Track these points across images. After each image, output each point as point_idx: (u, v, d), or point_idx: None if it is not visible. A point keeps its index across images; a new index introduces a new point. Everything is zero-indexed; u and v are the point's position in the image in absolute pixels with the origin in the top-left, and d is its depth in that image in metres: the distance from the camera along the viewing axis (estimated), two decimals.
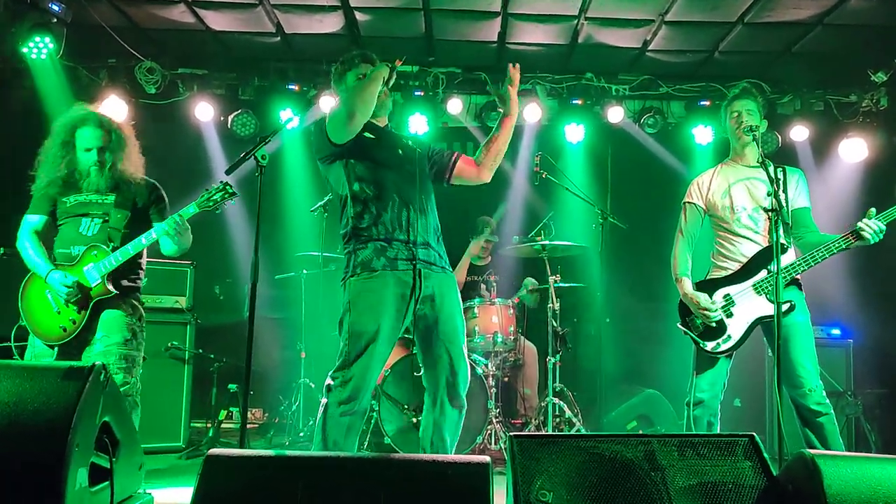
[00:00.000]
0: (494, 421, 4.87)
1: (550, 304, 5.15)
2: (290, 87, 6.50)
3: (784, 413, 3.20)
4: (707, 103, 6.61)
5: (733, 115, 3.82)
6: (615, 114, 6.45)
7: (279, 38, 6.04)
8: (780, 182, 3.63)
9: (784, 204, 3.57)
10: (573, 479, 2.31)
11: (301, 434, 5.32)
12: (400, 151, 3.34)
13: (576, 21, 5.63)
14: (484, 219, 5.96)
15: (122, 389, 3.29)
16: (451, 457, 2.38)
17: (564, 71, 6.52)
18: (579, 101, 6.57)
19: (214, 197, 3.48)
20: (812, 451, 2.30)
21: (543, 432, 4.80)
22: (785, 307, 3.51)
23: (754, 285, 3.64)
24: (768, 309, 3.56)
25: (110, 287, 3.44)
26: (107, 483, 2.41)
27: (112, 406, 2.46)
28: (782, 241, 3.33)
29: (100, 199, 3.58)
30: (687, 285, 3.79)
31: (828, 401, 3.54)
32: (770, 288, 3.56)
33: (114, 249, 3.48)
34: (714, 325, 3.68)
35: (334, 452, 2.34)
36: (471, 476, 2.22)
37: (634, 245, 6.28)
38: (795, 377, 3.54)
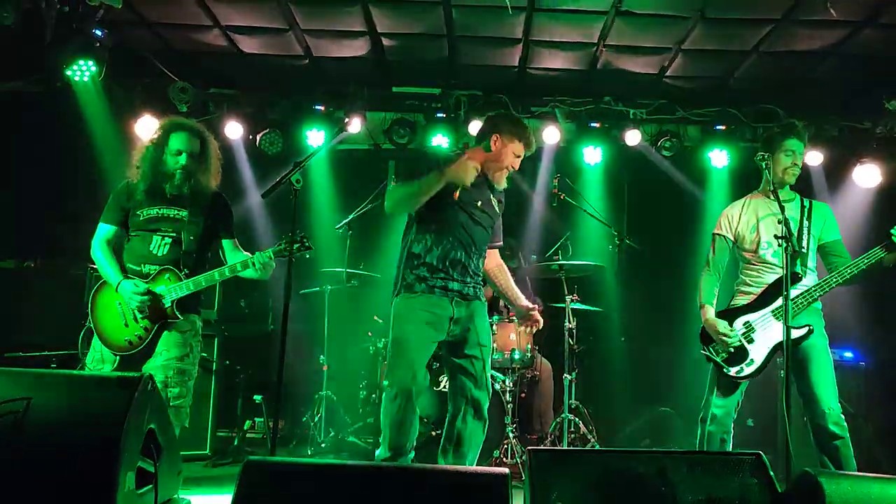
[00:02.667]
0: (511, 436, 5.00)
1: (567, 323, 5.29)
2: (317, 107, 6.71)
3: (795, 433, 3.32)
4: (723, 128, 6.74)
5: (790, 154, 3.83)
6: (632, 137, 6.59)
7: (307, 60, 6.26)
8: (807, 211, 3.84)
9: (806, 235, 3.75)
10: (587, 493, 2.44)
11: (323, 445, 5.47)
12: (479, 203, 3.56)
13: (595, 48, 5.81)
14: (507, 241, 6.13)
15: (178, 402, 3.49)
16: (472, 468, 2.53)
17: (583, 94, 6.69)
18: (597, 125, 6.72)
19: (286, 248, 3.56)
20: (815, 469, 2.42)
21: (559, 447, 4.92)
22: (803, 331, 3.66)
23: (773, 311, 3.78)
24: (778, 334, 3.70)
25: (177, 312, 3.58)
26: (151, 487, 2.58)
27: (157, 414, 2.64)
28: (796, 269, 3.50)
29: (174, 214, 3.66)
30: (709, 312, 3.93)
31: (845, 424, 3.63)
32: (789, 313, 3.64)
33: (186, 276, 3.59)
34: (734, 350, 3.81)
35: (364, 462, 2.49)
36: (490, 487, 2.35)
37: (650, 266, 6.41)
38: (813, 398, 3.66)
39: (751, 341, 3.82)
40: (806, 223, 3.84)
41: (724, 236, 4.02)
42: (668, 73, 6.20)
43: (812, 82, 6.19)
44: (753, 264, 3.92)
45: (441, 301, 3.47)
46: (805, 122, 6.58)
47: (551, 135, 6.59)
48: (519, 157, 3.60)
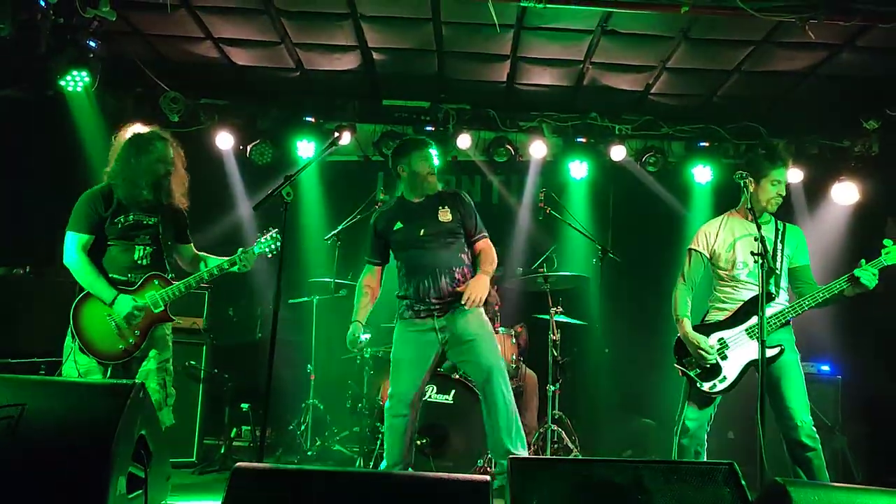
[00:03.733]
0: None
1: (551, 335, 5.38)
2: (307, 118, 6.80)
3: (770, 445, 3.42)
4: (706, 144, 6.87)
5: (776, 184, 3.91)
6: (618, 152, 6.70)
7: (298, 73, 6.35)
8: (781, 234, 3.94)
9: (780, 256, 3.86)
10: (566, 500, 2.53)
11: (309, 453, 5.52)
12: (422, 232, 3.98)
13: (581, 65, 5.93)
14: None
15: (171, 401, 3.70)
16: (454, 475, 2.60)
17: (570, 110, 6.82)
18: (583, 140, 6.84)
19: (268, 244, 3.96)
20: (784, 479, 2.51)
21: (541, 456, 5.00)
22: (775, 351, 3.77)
23: (747, 329, 3.87)
24: (754, 352, 3.76)
25: (169, 313, 3.77)
26: (141, 491, 2.64)
27: (147, 421, 2.70)
28: (770, 289, 3.64)
29: (146, 221, 3.77)
30: (687, 326, 4.00)
31: (817, 436, 3.74)
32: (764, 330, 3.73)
33: (173, 279, 3.79)
34: (709, 366, 3.90)
35: (349, 468, 2.56)
36: (472, 493, 2.43)
37: (633, 279, 6.52)
38: (786, 412, 3.76)
39: (724, 358, 3.90)
40: (780, 245, 3.94)
41: (700, 252, 4.10)
42: (652, 91, 6.33)
43: (792, 102, 6.34)
44: (728, 282, 4.00)
45: (424, 320, 3.97)
46: (786, 141, 6.78)
47: (538, 149, 6.70)
48: (425, 160, 4.05)
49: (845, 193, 6.57)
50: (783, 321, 3.83)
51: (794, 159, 6.71)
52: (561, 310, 5.53)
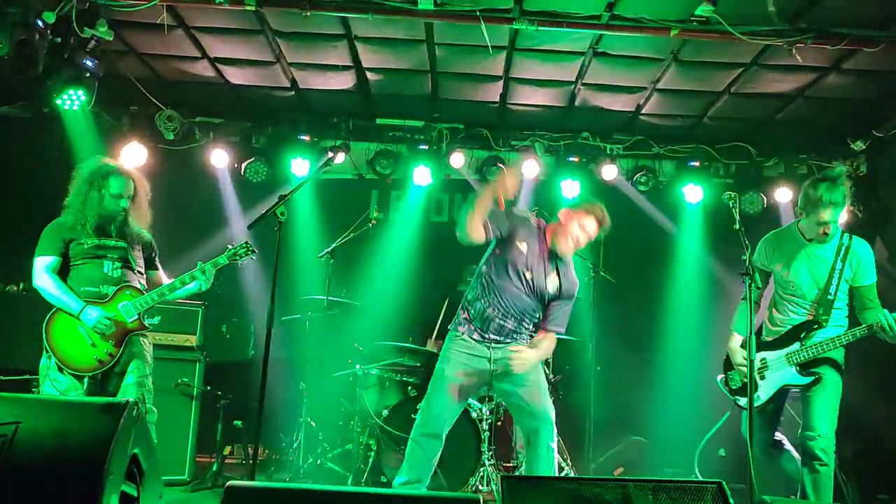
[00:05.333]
0: (487, 463, 5.09)
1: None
2: (302, 137, 6.86)
3: (760, 464, 3.46)
4: (697, 164, 6.95)
5: (833, 206, 3.83)
6: (609, 171, 6.77)
7: (293, 92, 6.40)
8: (843, 251, 3.87)
9: (837, 277, 3.85)
10: None
11: (301, 471, 5.52)
12: (529, 275, 3.83)
13: (573, 86, 6.00)
14: (471, 268, 6.25)
15: (150, 416, 3.72)
16: (445, 494, 2.63)
17: (562, 130, 6.90)
18: (575, 159, 6.92)
19: (240, 252, 4.03)
20: (772, 497, 2.55)
21: (532, 475, 5.01)
22: (809, 380, 3.87)
23: (786, 355, 3.95)
24: (794, 379, 3.91)
25: (144, 323, 3.84)
26: None
27: (141, 438, 2.71)
28: (820, 317, 3.84)
29: (114, 244, 3.93)
30: (734, 340, 4.14)
31: (832, 454, 3.75)
32: (801, 358, 3.88)
33: (146, 290, 3.90)
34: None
35: (343, 487, 2.58)
36: None
37: (625, 298, 6.56)
38: (808, 421, 3.82)
39: (762, 378, 3.99)
40: (839, 265, 3.85)
41: (759, 267, 4.08)
42: (643, 111, 6.40)
43: (781, 123, 6.42)
44: (783, 302, 4.04)
45: (478, 345, 3.88)
46: (775, 160, 6.88)
47: (531, 168, 6.76)
48: (583, 228, 3.85)
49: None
50: (824, 350, 3.83)
51: (784, 179, 6.82)
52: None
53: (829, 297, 3.84)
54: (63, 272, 3.85)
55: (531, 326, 3.96)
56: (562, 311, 3.97)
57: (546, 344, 3.94)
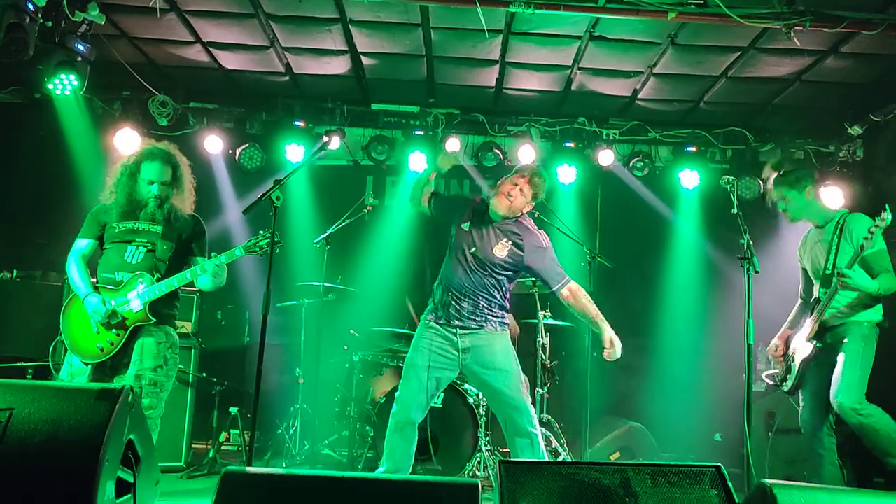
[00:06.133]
0: (484, 449, 5.09)
1: (540, 338, 5.40)
2: (297, 122, 6.80)
3: (757, 448, 3.47)
4: (693, 149, 6.93)
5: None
6: (605, 157, 6.74)
7: (288, 77, 6.35)
8: (839, 229, 4.11)
9: (832, 255, 4.06)
10: (554, 503, 2.54)
11: (297, 458, 5.51)
12: (471, 251, 3.95)
13: (569, 70, 5.96)
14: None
15: (147, 412, 3.58)
16: (443, 479, 2.61)
17: (558, 115, 6.86)
18: (571, 144, 6.89)
19: (261, 243, 3.78)
20: (770, 480, 2.54)
21: (529, 460, 5.01)
22: (809, 347, 4.13)
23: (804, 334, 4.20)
24: (807, 351, 4.13)
25: (150, 315, 3.73)
26: (129, 496, 2.64)
27: (136, 425, 2.70)
28: (820, 294, 4.05)
29: (148, 228, 3.85)
30: (778, 334, 4.42)
31: (855, 417, 3.86)
32: (810, 332, 4.12)
33: (158, 280, 3.76)
34: (787, 367, 4.30)
35: (339, 473, 2.57)
36: (461, 497, 2.45)
37: (621, 283, 6.55)
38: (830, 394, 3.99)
39: (793, 360, 4.24)
40: (835, 242, 4.10)
41: (801, 267, 4.47)
42: (640, 96, 6.37)
43: (778, 107, 6.40)
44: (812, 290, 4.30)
45: (445, 331, 3.95)
46: (772, 145, 6.86)
47: (527, 154, 6.72)
48: (516, 184, 3.95)
49: (831, 198, 6.61)
50: (820, 320, 4.06)
51: (781, 164, 6.80)
52: (549, 313, 5.55)
53: (827, 272, 4.05)
54: (97, 256, 3.89)
55: (489, 306, 3.97)
56: (546, 266, 3.99)
57: (590, 307, 3.97)
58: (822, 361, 4.09)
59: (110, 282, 3.76)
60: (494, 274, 3.96)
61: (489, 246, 3.94)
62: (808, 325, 4.13)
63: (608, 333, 3.87)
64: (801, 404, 4.27)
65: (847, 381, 3.91)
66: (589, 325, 4.07)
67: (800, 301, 4.45)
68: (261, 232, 3.80)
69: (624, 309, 6.81)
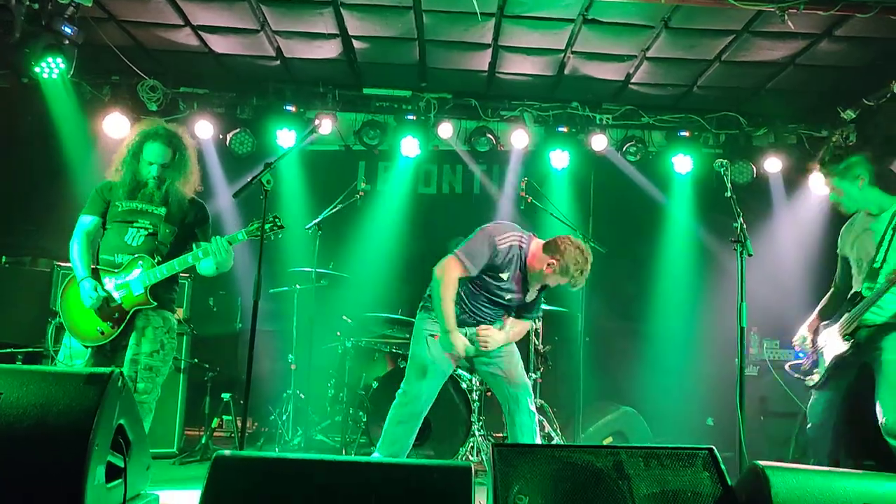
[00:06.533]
0: (477, 434, 5.09)
1: (533, 324, 5.38)
2: (288, 107, 6.75)
3: (749, 432, 3.46)
4: (687, 134, 6.91)
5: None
6: (599, 142, 6.72)
7: (279, 61, 6.29)
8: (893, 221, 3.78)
9: (885, 248, 3.74)
10: (548, 486, 2.54)
11: (290, 443, 5.50)
12: (508, 297, 3.94)
13: (562, 54, 5.92)
14: (458, 239, 6.21)
15: (142, 397, 3.57)
16: (436, 462, 2.60)
17: (551, 99, 6.82)
18: (565, 129, 6.86)
19: (264, 228, 3.70)
20: (763, 462, 2.54)
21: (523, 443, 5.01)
22: (844, 347, 3.79)
23: (838, 327, 3.89)
24: (840, 347, 3.83)
25: (150, 298, 3.68)
26: (120, 481, 2.62)
27: (127, 409, 2.67)
28: (862, 288, 3.74)
29: (151, 209, 3.79)
30: (807, 322, 4.16)
31: None
32: (845, 328, 3.82)
33: (159, 263, 3.71)
34: (816, 359, 4.02)
35: (331, 456, 2.56)
36: (454, 479, 2.44)
37: (614, 268, 6.55)
38: (875, 409, 3.67)
39: (822, 354, 3.98)
40: (889, 234, 3.75)
41: (839, 254, 4.11)
42: (633, 80, 6.34)
43: (772, 91, 6.37)
44: (855, 281, 3.94)
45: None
46: (765, 130, 6.85)
47: (520, 139, 6.69)
48: (559, 282, 3.89)
49: (823, 183, 6.61)
50: (859, 317, 3.75)
51: (774, 149, 6.80)
52: (542, 299, 5.53)
53: (875, 266, 3.74)
54: (100, 234, 3.81)
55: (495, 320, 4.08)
56: (536, 303, 4.14)
57: (518, 329, 4.09)
58: (850, 361, 3.81)
59: (109, 264, 3.71)
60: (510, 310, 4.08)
61: (523, 294, 3.99)
62: (844, 321, 3.82)
63: (496, 332, 3.96)
64: (815, 396, 4.02)
65: (891, 399, 3.59)
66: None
67: (832, 289, 4.15)
68: (270, 215, 3.73)
69: (617, 294, 6.84)
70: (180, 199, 3.86)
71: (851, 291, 3.90)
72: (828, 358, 3.91)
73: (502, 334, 3.97)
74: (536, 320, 5.46)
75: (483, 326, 3.93)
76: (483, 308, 3.96)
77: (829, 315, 4.05)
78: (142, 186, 3.77)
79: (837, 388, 3.92)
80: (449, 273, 3.78)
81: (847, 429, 5.29)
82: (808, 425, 4.05)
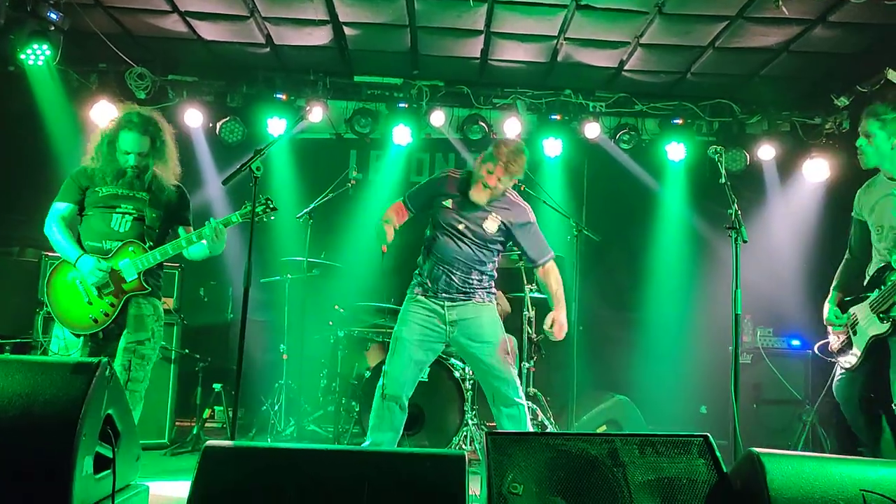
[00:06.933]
0: (470, 423, 5.07)
1: (526, 312, 5.37)
2: (278, 95, 6.68)
3: (743, 419, 3.44)
4: (680, 121, 6.88)
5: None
6: (592, 129, 6.68)
7: (269, 48, 6.22)
8: None
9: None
10: (542, 474, 2.51)
11: (283, 434, 5.47)
12: (462, 226, 3.89)
13: (555, 41, 5.87)
14: None
15: (133, 385, 3.53)
16: (429, 451, 2.57)
17: (544, 87, 6.77)
18: (557, 117, 6.81)
19: (257, 210, 3.64)
20: (758, 449, 2.52)
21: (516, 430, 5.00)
22: (884, 328, 3.51)
23: (869, 304, 3.62)
24: (877, 327, 3.56)
25: (144, 284, 3.63)
26: (109, 472, 2.58)
27: (115, 399, 2.63)
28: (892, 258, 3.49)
29: (133, 193, 3.72)
30: (829, 297, 3.91)
31: None
32: (879, 305, 3.55)
33: (151, 248, 3.65)
34: (845, 339, 3.77)
35: (323, 446, 2.53)
36: (447, 468, 2.41)
37: (607, 256, 6.55)
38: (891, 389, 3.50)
39: (855, 333, 3.71)
40: None
41: (853, 217, 3.85)
42: (626, 67, 6.30)
43: (765, 78, 6.35)
44: (875, 249, 3.72)
45: (432, 303, 3.90)
46: (759, 117, 6.82)
47: (512, 126, 6.65)
48: (491, 172, 3.79)
49: (816, 170, 6.61)
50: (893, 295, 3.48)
51: (767, 136, 6.78)
52: (536, 287, 5.52)
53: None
54: (77, 220, 3.73)
55: (480, 277, 3.98)
56: (531, 240, 4.03)
57: (555, 287, 4.02)
58: (887, 343, 3.54)
59: (97, 251, 3.63)
60: (486, 246, 3.95)
61: (479, 221, 3.90)
62: (878, 298, 3.55)
63: (559, 315, 3.95)
64: (845, 375, 3.78)
65: None
66: (548, 301, 4.08)
67: (848, 255, 3.92)
68: (262, 197, 3.69)
69: (610, 282, 6.83)
70: (162, 184, 3.80)
71: (875, 261, 3.67)
72: (863, 334, 3.63)
73: (558, 310, 3.94)
74: (529, 308, 5.42)
75: (550, 319, 3.91)
76: (448, 253, 3.87)
77: (849, 287, 3.85)
78: (120, 175, 3.70)
79: (870, 372, 3.67)
80: (390, 208, 4.01)
81: (839, 417, 5.29)
82: (842, 406, 3.84)
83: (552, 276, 4.05)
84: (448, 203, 3.91)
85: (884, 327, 3.51)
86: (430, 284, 3.93)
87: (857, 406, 3.76)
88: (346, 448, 2.60)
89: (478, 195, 3.87)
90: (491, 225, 3.91)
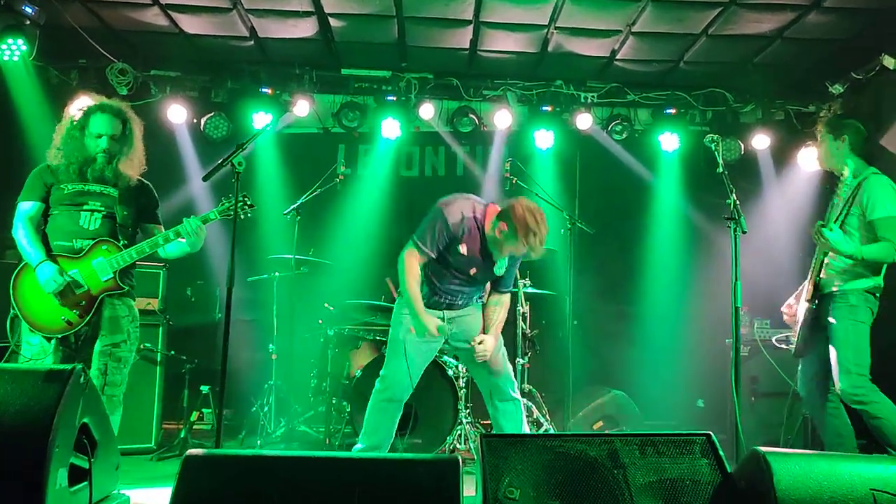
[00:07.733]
0: (464, 421, 4.98)
1: (520, 307, 5.27)
2: (263, 90, 6.54)
3: (743, 414, 3.36)
4: (673, 111, 6.78)
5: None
6: (584, 121, 6.58)
7: (253, 41, 6.08)
8: (857, 186, 3.82)
9: (843, 215, 3.79)
10: (539, 477, 2.42)
11: (273, 435, 5.36)
12: (473, 271, 3.80)
13: (546, 30, 5.76)
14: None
15: (111, 390, 3.41)
16: (422, 455, 2.47)
17: (534, 78, 6.65)
18: (549, 108, 6.69)
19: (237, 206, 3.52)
20: (764, 448, 2.43)
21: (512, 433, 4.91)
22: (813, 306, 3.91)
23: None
24: (806, 313, 3.98)
25: (120, 283, 3.51)
26: (85, 483, 2.47)
27: (91, 407, 2.52)
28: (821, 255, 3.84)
29: (101, 189, 3.58)
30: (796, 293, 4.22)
31: (857, 397, 3.67)
32: (808, 294, 3.95)
33: (125, 246, 3.53)
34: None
35: (309, 452, 2.42)
36: (441, 473, 2.32)
37: (601, 249, 6.46)
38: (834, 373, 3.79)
39: (797, 322, 4.07)
40: (848, 202, 3.83)
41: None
42: (618, 57, 6.19)
43: (759, 66, 6.25)
44: None
45: (433, 310, 3.84)
46: (753, 106, 6.74)
47: (503, 118, 6.54)
48: (515, 250, 3.70)
49: (811, 159, 6.52)
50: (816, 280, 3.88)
51: (762, 124, 6.70)
52: (529, 281, 5.43)
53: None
54: (45, 220, 3.58)
55: (479, 294, 4.02)
56: (512, 270, 4.01)
57: (498, 317, 3.97)
58: (814, 326, 3.94)
59: (67, 250, 3.50)
60: (491, 279, 3.98)
61: (490, 266, 3.84)
62: (806, 286, 3.97)
63: (489, 339, 3.86)
64: (801, 366, 4.17)
65: (840, 364, 3.73)
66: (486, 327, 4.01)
67: None
68: (242, 195, 3.56)
69: (604, 275, 6.74)
70: (127, 180, 3.66)
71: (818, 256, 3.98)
72: (798, 325, 4.02)
73: (492, 337, 3.87)
74: (523, 303, 5.34)
75: (476, 340, 3.82)
76: (452, 287, 3.84)
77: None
78: (90, 163, 3.55)
79: (813, 359, 4.02)
80: (408, 261, 3.71)
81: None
82: (802, 396, 4.20)
83: (505, 307, 4.02)
84: (463, 250, 3.74)
85: (805, 309, 3.95)
86: (430, 299, 3.87)
87: (816, 398, 4.03)
88: (334, 455, 2.49)
89: (497, 254, 3.79)
90: (499, 268, 3.89)
